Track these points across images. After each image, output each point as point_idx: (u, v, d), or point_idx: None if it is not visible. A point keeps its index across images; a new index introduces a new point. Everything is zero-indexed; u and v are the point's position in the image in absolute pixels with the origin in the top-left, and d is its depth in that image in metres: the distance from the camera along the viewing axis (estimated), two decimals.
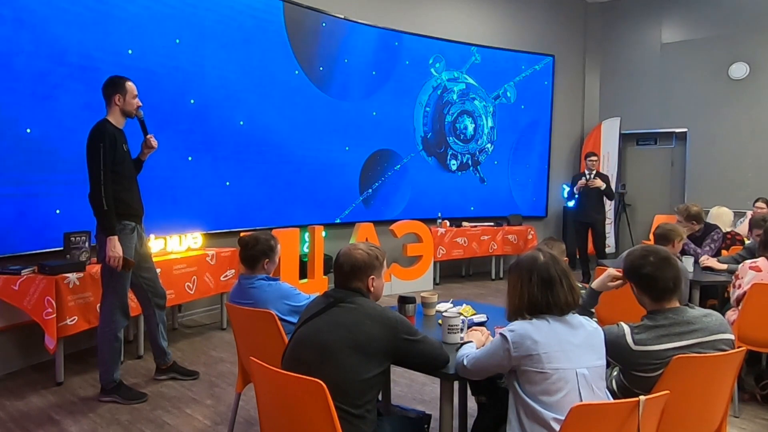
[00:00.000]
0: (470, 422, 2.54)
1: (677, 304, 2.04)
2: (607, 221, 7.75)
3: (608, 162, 8.25)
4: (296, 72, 6.01)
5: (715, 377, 1.95)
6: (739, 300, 3.35)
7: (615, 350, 1.95)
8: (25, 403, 3.33)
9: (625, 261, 2.19)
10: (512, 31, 8.12)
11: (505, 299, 1.94)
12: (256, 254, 2.80)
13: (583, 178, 6.85)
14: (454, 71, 7.61)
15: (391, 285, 6.32)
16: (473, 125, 7.88)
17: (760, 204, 5.46)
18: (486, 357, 1.84)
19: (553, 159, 8.58)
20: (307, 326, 1.91)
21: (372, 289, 2.02)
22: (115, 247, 3.19)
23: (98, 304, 3.48)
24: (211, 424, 3.11)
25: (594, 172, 6.90)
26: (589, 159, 7.00)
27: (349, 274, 1.98)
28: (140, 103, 3.39)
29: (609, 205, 7.32)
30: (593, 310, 2.36)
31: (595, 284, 2.38)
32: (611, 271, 2.32)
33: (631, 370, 1.98)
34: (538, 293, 1.81)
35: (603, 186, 6.76)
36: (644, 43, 8.37)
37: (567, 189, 8.28)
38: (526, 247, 7.56)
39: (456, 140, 7.75)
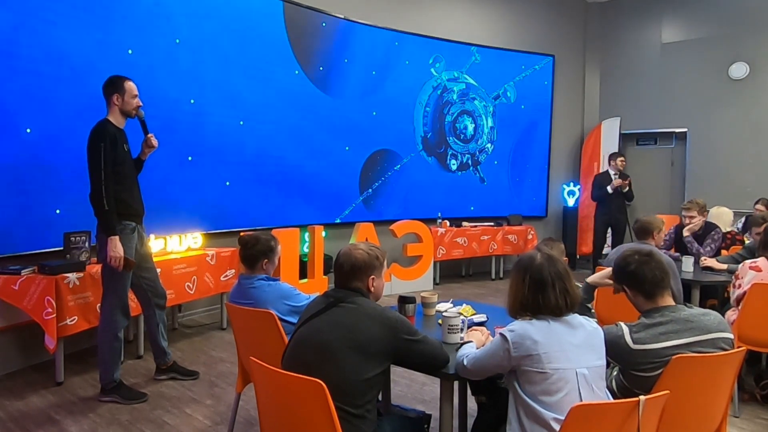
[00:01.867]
0: (470, 422, 2.54)
1: (672, 302, 2.05)
2: None
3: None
4: (296, 72, 6.01)
5: (715, 377, 1.96)
6: (739, 300, 3.35)
7: (614, 350, 1.95)
8: (25, 403, 3.33)
9: (613, 266, 2.21)
10: (512, 31, 8.12)
11: (505, 298, 1.94)
12: (255, 254, 2.80)
13: (616, 178, 6.92)
14: (454, 71, 7.61)
15: (391, 285, 6.32)
16: (473, 125, 7.88)
17: (759, 207, 5.46)
18: (486, 357, 1.84)
19: (553, 159, 8.58)
20: (307, 326, 1.91)
21: (372, 289, 2.02)
22: (116, 247, 3.19)
23: (98, 304, 3.48)
24: (211, 424, 3.11)
25: (618, 172, 6.97)
26: (619, 159, 7.04)
27: (349, 274, 1.98)
28: (140, 103, 3.39)
29: None
30: (592, 308, 2.36)
31: (590, 279, 2.39)
32: (610, 270, 2.32)
33: (630, 370, 1.98)
34: (529, 294, 1.82)
35: (626, 187, 6.89)
36: (644, 43, 8.36)
37: (572, 189, 8.31)
38: (526, 247, 7.56)
39: (456, 140, 7.75)
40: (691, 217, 4.58)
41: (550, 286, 1.80)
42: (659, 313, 2.01)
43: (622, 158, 7.09)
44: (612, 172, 7.03)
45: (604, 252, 7.31)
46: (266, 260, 2.81)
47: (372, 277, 2.01)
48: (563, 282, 1.82)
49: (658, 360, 1.91)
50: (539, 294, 1.80)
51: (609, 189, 6.91)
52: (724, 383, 1.99)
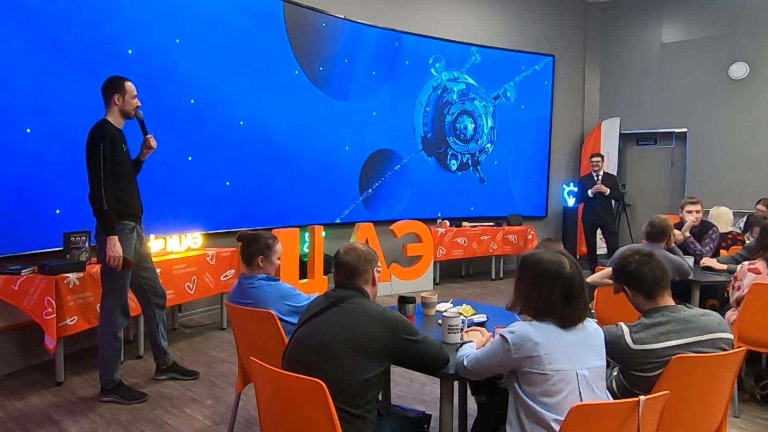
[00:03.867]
0: (470, 422, 2.54)
1: (672, 302, 2.05)
2: None
3: (608, 162, 8.24)
4: (296, 72, 6.01)
5: (715, 377, 1.95)
6: (739, 301, 3.35)
7: (614, 350, 1.95)
8: (25, 403, 3.33)
9: (613, 265, 2.21)
10: (512, 31, 8.12)
11: (505, 298, 1.92)
12: (251, 251, 2.79)
13: (597, 178, 6.89)
14: (454, 71, 7.60)
15: (391, 285, 6.32)
16: (473, 125, 7.88)
17: (761, 207, 5.44)
18: (486, 358, 1.84)
19: (553, 159, 8.58)
20: (307, 326, 1.91)
21: (374, 286, 2.03)
22: (115, 247, 3.19)
23: (98, 304, 3.48)
24: (211, 424, 3.11)
25: (601, 173, 6.93)
26: (591, 160, 7.00)
27: (350, 274, 1.98)
28: (139, 104, 3.39)
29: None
30: (592, 308, 2.36)
31: (590, 279, 2.39)
32: (610, 270, 2.33)
33: (630, 370, 1.98)
34: (559, 304, 1.76)
35: (607, 191, 6.80)
36: (644, 43, 8.37)
37: (573, 189, 8.31)
38: (526, 247, 7.56)
39: (456, 140, 7.75)
40: (698, 212, 4.56)
41: (580, 298, 1.78)
42: (659, 313, 2.01)
43: (596, 158, 6.98)
44: (593, 174, 7.00)
45: (599, 253, 7.31)
46: (262, 257, 2.79)
47: (372, 275, 2.02)
48: (585, 293, 1.81)
49: (658, 360, 1.91)
50: (568, 305, 1.76)
51: (589, 193, 6.89)
52: (724, 383, 1.99)
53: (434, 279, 6.94)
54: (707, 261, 4.22)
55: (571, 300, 1.77)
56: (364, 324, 1.83)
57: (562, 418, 1.59)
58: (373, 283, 2.06)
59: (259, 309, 2.53)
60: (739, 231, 5.44)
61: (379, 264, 2.10)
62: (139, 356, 4.14)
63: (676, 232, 4.13)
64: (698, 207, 4.57)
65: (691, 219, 4.53)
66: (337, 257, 2.04)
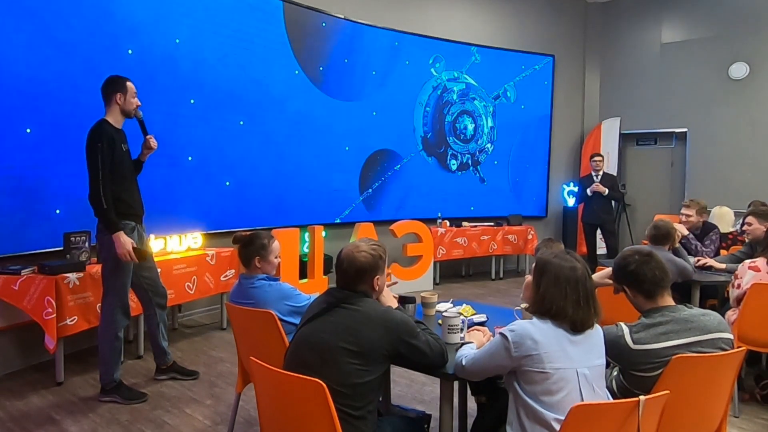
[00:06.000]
0: (470, 422, 2.54)
1: (672, 302, 2.05)
2: None
3: (608, 162, 8.23)
4: (296, 72, 6.01)
5: (715, 377, 1.96)
6: (738, 300, 3.34)
7: (614, 350, 1.95)
8: (25, 403, 3.33)
9: (613, 266, 2.21)
10: (512, 31, 8.12)
11: (505, 298, 1.93)
12: (247, 253, 2.79)
13: (596, 178, 6.88)
14: (454, 71, 7.61)
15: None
16: (473, 125, 7.88)
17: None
18: (486, 357, 1.83)
19: (553, 159, 8.58)
20: (309, 327, 1.90)
21: (377, 288, 2.01)
22: (124, 242, 3.18)
23: (98, 304, 3.48)
24: (211, 424, 3.11)
25: (601, 172, 6.92)
26: (593, 160, 6.99)
27: (354, 277, 1.95)
28: (139, 103, 3.39)
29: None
30: None
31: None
32: (610, 270, 2.33)
33: (630, 370, 1.98)
34: (579, 307, 1.78)
35: (605, 191, 6.79)
36: (644, 43, 8.37)
37: (573, 189, 8.30)
38: (526, 247, 7.57)
39: (456, 140, 7.75)
40: (688, 216, 4.57)
41: (592, 302, 1.80)
42: (659, 313, 2.01)
43: (597, 158, 6.95)
44: (593, 174, 6.99)
45: (599, 253, 7.30)
46: (258, 258, 2.78)
47: (376, 277, 1.99)
48: (596, 298, 1.85)
49: (658, 360, 1.91)
50: (583, 308, 1.78)
51: (588, 192, 6.89)
52: (724, 383, 1.99)
53: (434, 279, 6.94)
54: (708, 261, 4.21)
55: (587, 305, 1.79)
56: (365, 326, 1.82)
57: (563, 418, 1.59)
58: (373, 289, 2.00)
59: (259, 309, 2.53)
60: (738, 231, 5.43)
61: (385, 270, 2.04)
62: (139, 356, 4.14)
63: (677, 225, 4.13)
64: (690, 211, 4.58)
65: (683, 224, 4.54)
66: (339, 260, 1.99)
